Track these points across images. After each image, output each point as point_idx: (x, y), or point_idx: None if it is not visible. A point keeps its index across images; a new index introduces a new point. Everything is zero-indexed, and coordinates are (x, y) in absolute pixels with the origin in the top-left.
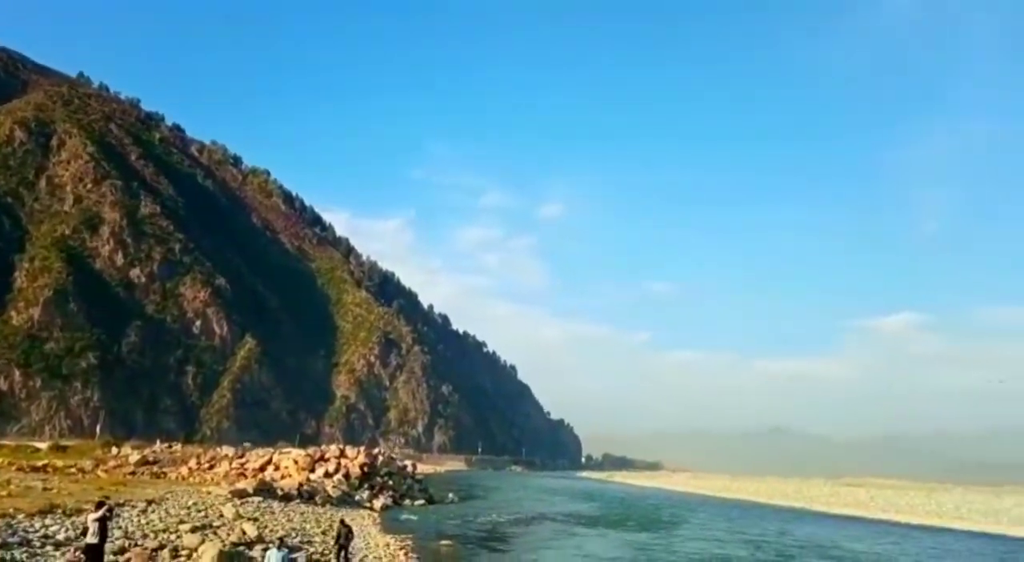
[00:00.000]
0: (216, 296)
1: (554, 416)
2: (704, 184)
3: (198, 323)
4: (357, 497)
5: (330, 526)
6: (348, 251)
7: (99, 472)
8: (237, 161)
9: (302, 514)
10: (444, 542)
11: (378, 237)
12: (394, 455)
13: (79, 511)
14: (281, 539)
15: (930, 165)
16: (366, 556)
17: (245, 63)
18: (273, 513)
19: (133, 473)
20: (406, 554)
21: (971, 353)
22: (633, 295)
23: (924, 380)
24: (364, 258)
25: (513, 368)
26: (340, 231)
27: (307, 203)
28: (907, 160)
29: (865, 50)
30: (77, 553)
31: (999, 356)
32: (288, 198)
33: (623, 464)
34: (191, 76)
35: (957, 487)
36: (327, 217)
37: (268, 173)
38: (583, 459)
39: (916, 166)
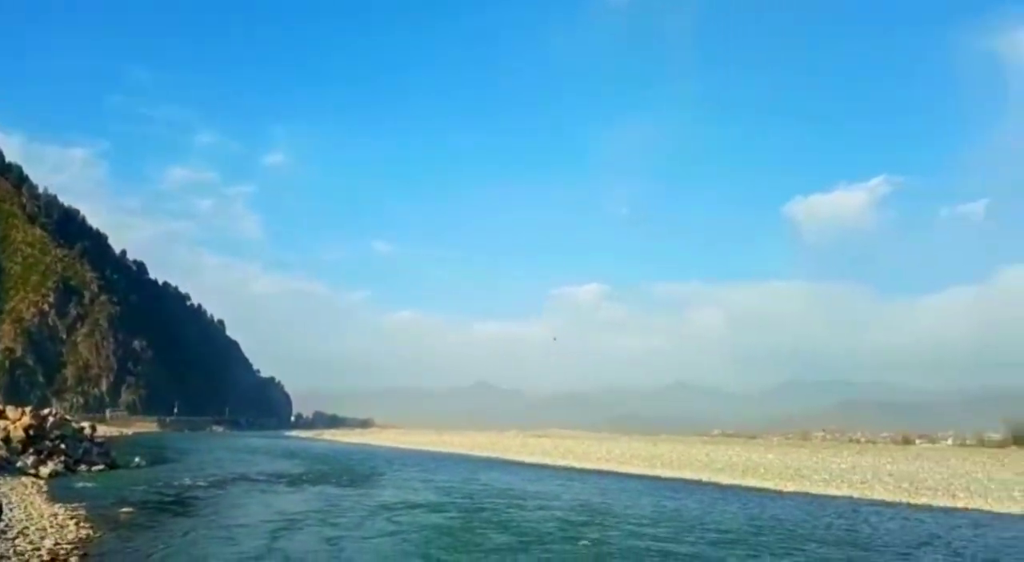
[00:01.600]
0: None
1: (264, 374)
2: (430, 150)
3: None
4: (19, 463)
5: None
6: (20, 180)
7: None
8: None
9: None
10: (125, 509)
11: (61, 167)
12: (70, 416)
13: None
14: None
15: (626, 153)
16: (27, 528)
17: None
18: None
19: None
20: (77, 524)
21: (644, 321)
22: (355, 253)
23: (606, 343)
24: (41, 190)
25: (220, 323)
26: (11, 156)
27: None
28: (611, 147)
29: (585, 40)
30: None
31: (665, 323)
32: None
33: (334, 422)
34: None
35: (624, 436)
36: None
37: None
38: (293, 418)
39: (616, 153)
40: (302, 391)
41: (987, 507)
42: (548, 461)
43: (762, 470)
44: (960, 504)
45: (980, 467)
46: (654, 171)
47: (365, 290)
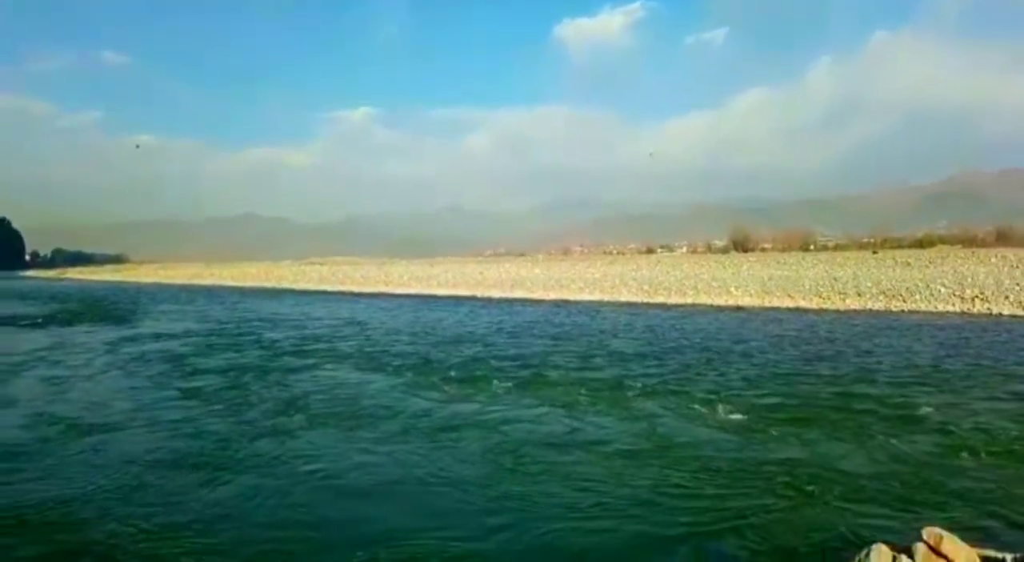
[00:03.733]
0: None
1: None
2: None
3: None
4: None
5: None
6: None
7: None
8: None
9: None
10: None
11: None
12: None
13: None
14: None
15: None
16: None
17: None
18: None
19: None
20: None
21: (418, 146)
22: (81, 64)
23: (380, 169)
24: None
25: None
26: None
27: None
28: None
29: None
30: None
31: (439, 149)
32: None
33: (79, 259)
34: None
35: (402, 261)
36: None
37: None
38: (28, 257)
39: None
40: (38, 227)
41: (709, 301)
42: (325, 287)
43: (528, 283)
44: (688, 300)
45: (706, 269)
46: None
47: (95, 110)
